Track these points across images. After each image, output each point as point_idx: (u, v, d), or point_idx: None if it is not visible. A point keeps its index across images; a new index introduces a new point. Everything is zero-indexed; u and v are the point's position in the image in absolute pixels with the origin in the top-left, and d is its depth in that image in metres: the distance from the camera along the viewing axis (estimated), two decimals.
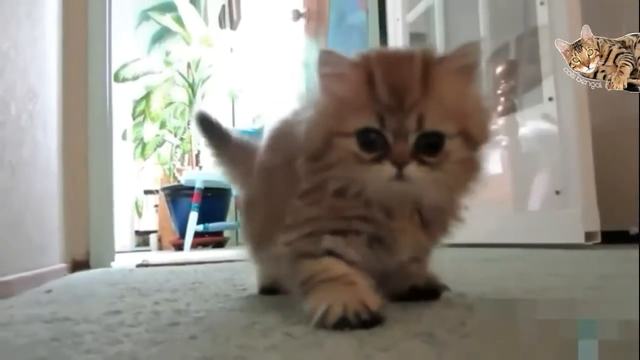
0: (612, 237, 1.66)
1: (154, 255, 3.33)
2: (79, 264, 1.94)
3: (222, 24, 6.43)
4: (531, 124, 1.96)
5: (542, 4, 1.85)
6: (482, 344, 0.43)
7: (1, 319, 0.71)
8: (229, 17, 6.29)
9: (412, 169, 0.56)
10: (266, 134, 0.79)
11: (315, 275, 0.58)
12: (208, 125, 0.95)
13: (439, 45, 2.47)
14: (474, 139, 0.59)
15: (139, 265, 2.07)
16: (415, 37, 2.77)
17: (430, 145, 0.57)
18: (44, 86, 1.60)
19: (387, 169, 0.56)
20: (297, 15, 3.94)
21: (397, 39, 2.77)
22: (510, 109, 2.13)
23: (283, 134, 0.72)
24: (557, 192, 1.78)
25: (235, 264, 1.76)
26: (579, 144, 1.69)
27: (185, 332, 0.55)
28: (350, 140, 0.57)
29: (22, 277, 1.21)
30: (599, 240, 1.62)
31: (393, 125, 0.56)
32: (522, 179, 1.98)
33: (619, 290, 0.74)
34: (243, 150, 0.91)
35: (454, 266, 1.14)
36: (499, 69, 2.23)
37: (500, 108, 2.15)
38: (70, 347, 0.49)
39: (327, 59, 0.61)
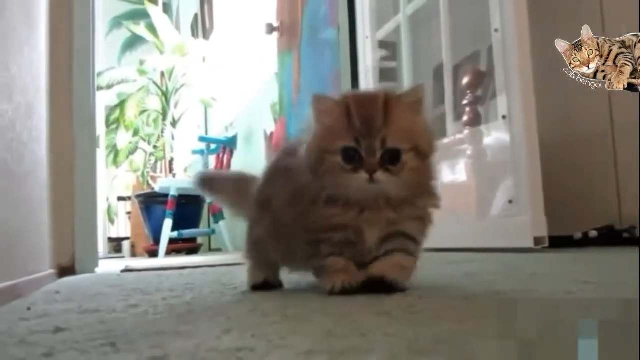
0: (559, 242, 1.85)
1: (130, 262, 3.41)
2: (65, 270, 2.00)
3: (194, 33, 6.53)
4: (492, 137, 2.09)
5: (496, 31, 2.04)
6: (425, 318, 0.60)
7: (37, 312, 0.84)
8: (202, 27, 6.39)
9: (380, 175, 0.79)
10: (285, 145, 0.99)
11: (327, 267, 0.87)
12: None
13: (406, 60, 2.64)
14: (423, 152, 0.83)
15: (123, 271, 2.17)
16: (384, 45, 2.96)
17: (392, 158, 0.80)
18: (40, 102, 1.72)
19: (362, 176, 0.80)
20: (271, 29, 4.07)
21: (367, 55, 2.95)
22: (475, 122, 2.23)
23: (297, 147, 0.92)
24: (510, 201, 1.95)
25: (217, 269, 1.86)
26: (528, 159, 1.85)
27: (202, 316, 0.70)
28: (336, 156, 0.81)
29: (26, 281, 1.32)
30: (546, 244, 1.76)
31: (365, 145, 0.80)
32: (484, 189, 2.12)
33: (537, 284, 0.92)
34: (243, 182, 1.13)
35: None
36: (465, 80, 2.29)
37: (465, 118, 2.25)
38: (119, 324, 0.63)
39: (318, 101, 0.86)
